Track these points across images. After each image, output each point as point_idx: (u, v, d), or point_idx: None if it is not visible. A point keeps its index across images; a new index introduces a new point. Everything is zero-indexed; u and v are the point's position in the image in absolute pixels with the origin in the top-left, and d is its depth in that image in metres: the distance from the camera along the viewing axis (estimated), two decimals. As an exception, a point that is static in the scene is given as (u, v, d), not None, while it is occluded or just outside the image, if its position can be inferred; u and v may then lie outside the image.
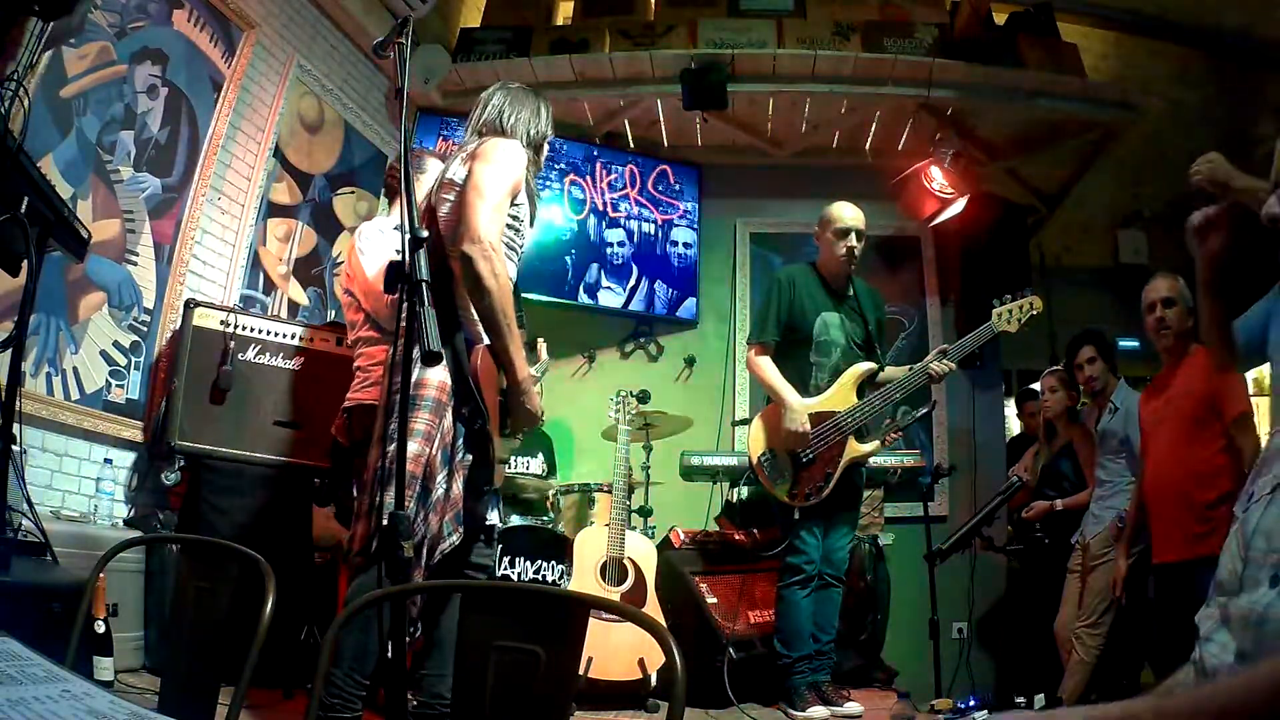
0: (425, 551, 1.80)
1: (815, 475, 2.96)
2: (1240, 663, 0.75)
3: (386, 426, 1.83)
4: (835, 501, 3.00)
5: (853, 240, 3.11)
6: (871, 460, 3.43)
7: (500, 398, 1.99)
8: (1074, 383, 3.59)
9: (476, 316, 1.96)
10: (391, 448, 1.57)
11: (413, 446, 1.78)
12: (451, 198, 2.02)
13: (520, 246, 2.14)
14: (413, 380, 1.79)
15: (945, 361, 3.02)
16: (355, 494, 2.68)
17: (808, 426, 2.94)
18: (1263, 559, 0.77)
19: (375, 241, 2.67)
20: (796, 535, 2.97)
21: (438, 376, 1.85)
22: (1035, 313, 3.07)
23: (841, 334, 3.10)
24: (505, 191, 1.98)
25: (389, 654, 1.40)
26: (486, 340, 1.96)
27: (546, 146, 2.29)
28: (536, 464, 4.01)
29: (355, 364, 2.62)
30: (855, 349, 3.12)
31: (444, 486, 1.85)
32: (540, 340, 3.98)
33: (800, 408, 2.96)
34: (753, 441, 3.08)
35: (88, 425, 2.81)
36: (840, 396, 3.02)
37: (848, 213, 3.14)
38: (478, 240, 1.88)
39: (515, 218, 2.08)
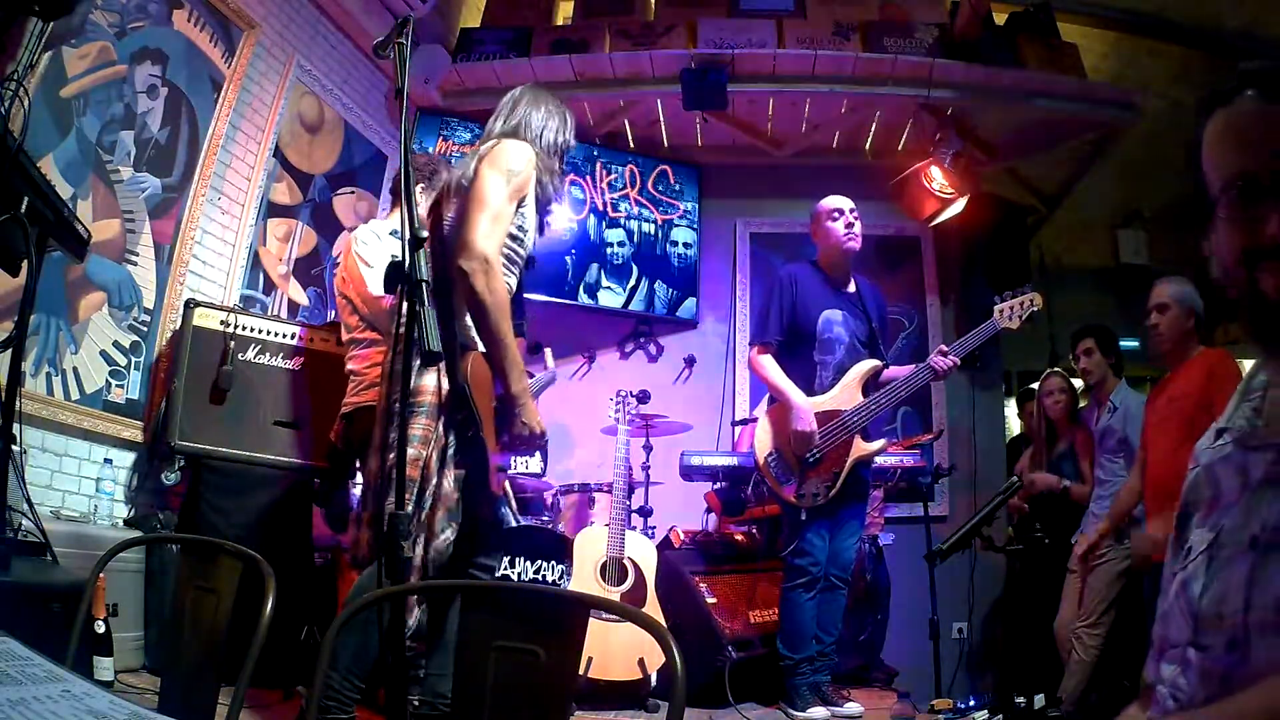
0: (421, 550, 1.81)
1: (822, 475, 2.96)
2: (1221, 701, 0.74)
3: (386, 434, 1.83)
4: (842, 501, 2.99)
5: (849, 216, 3.13)
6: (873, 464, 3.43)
7: (496, 405, 1.99)
8: (1074, 385, 3.60)
9: (472, 325, 1.96)
10: (392, 455, 1.57)
11: (410, 451, 1.78)
12: (458, 203, 2.01)
13: (521, 256, 2.11)
14: (410, 387, 1.80)
15: (949, 357, 3.01)
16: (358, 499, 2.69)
17: (815, 426, 2.93)
18: (1216, 624, 0.75)
19: (373, 247, 2.67)
20: (803, 537, 2.96)
21: (434, 382, 1.86)
22: (1036, 308, 3.06)
23: (845, 331, 3.09)
24: (506, 198, 1.96)
25: (389, 655, 1.40)
26: (481, 346, 1.96)
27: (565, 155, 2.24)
28: (535, 464, 4.01)
29: (348, 367, 2.62)
30: (859, 346, 3.11)
31: (436, 485, 1.85)
32: (547, 350, 3.94)
33: (807, 407, 2.96)
34: (759, 442, 3.07)
35: (88, 425, 2.80)
36: (845, 395, 3.02)
37: (834, 198, 3.19)
38: (474, 255, 1.89)
39: (519, 227, 2.05)
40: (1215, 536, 0.77)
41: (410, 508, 1.75)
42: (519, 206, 2.03)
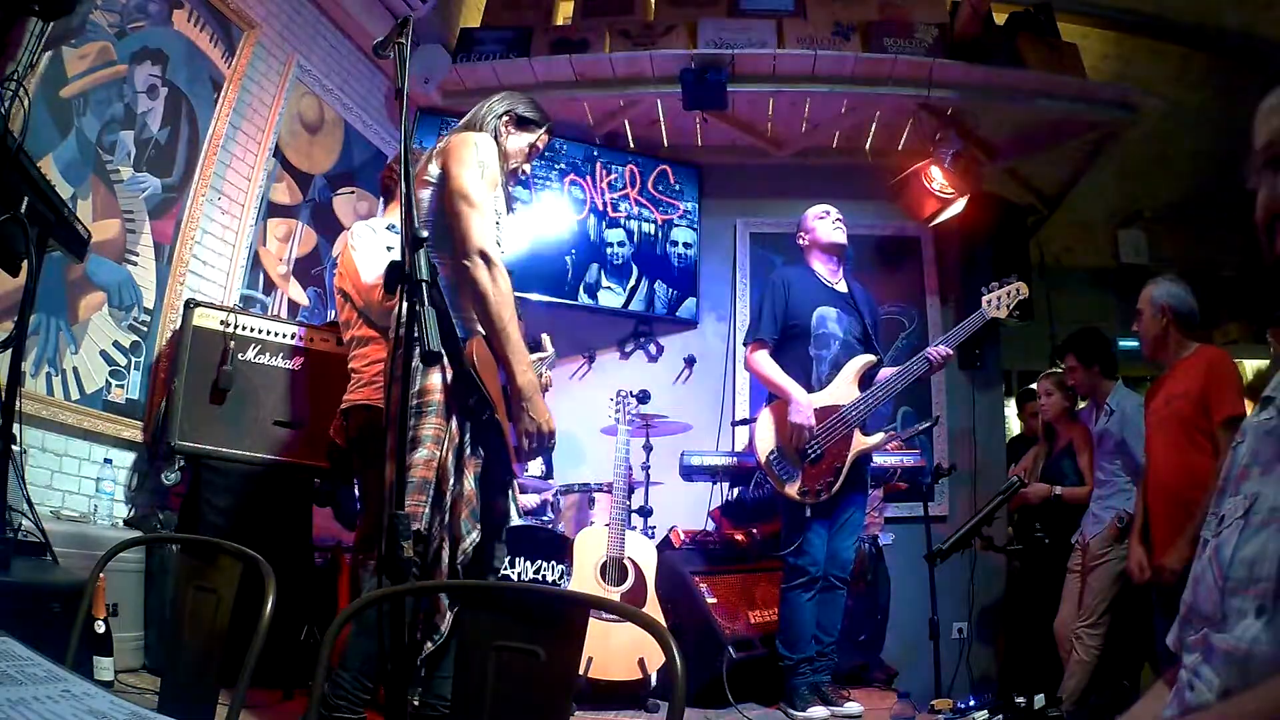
0: (449, 553, 1.81)
1: (824, 471, 2.97)
2: (1224, 700, 0.73)
3: (398, 439, 1.83)
4: (844, 497, 3.00)
5: (835, 213, 3.26)
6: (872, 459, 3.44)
7: (504, 387, 1.99)
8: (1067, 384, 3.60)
9: (476, 317, 1.98)
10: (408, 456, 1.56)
11: (423, 452, 1.79)
12: (426, 195, 2.02)
13: (500, 242, 2.14)
14: (416, 388, 1.81)
15: (943, 348, 3.03)
16: (360, 501, 2.69)
17: (813, 420, 2.95)
18: (1246, 588, 0.73)
19: (367, 239, 2.67)
20: (804, 538, 2.97)
21: (439, 381, 1.86)
22: (1023, 297, 3.12)
23: (839, 327, 3.13)
24: (488, 189, 2.00)
25: (388, 655, 1.40)
26: (481, 331, 1.97)
27: (537, 134, 2.25)
28: (535, 464, 4.01)
29: (350, 365, 2.62)
30: (854, 342, 3.14)
31: (456, 485, 1.85)
32: (545, 335, 3.95)
33: (805, 400, 2.97)
34: (760, 440, 3.08)
35: (88, 425, 2.80)
36: (843, 390, 3.04)
37: (816, 205, 3.33)
38: (476, 251, 1.92)
39: (495, 210, 2.09)
40: (1250, 504, 0.77)
41: (428, 509, 1.76)
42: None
